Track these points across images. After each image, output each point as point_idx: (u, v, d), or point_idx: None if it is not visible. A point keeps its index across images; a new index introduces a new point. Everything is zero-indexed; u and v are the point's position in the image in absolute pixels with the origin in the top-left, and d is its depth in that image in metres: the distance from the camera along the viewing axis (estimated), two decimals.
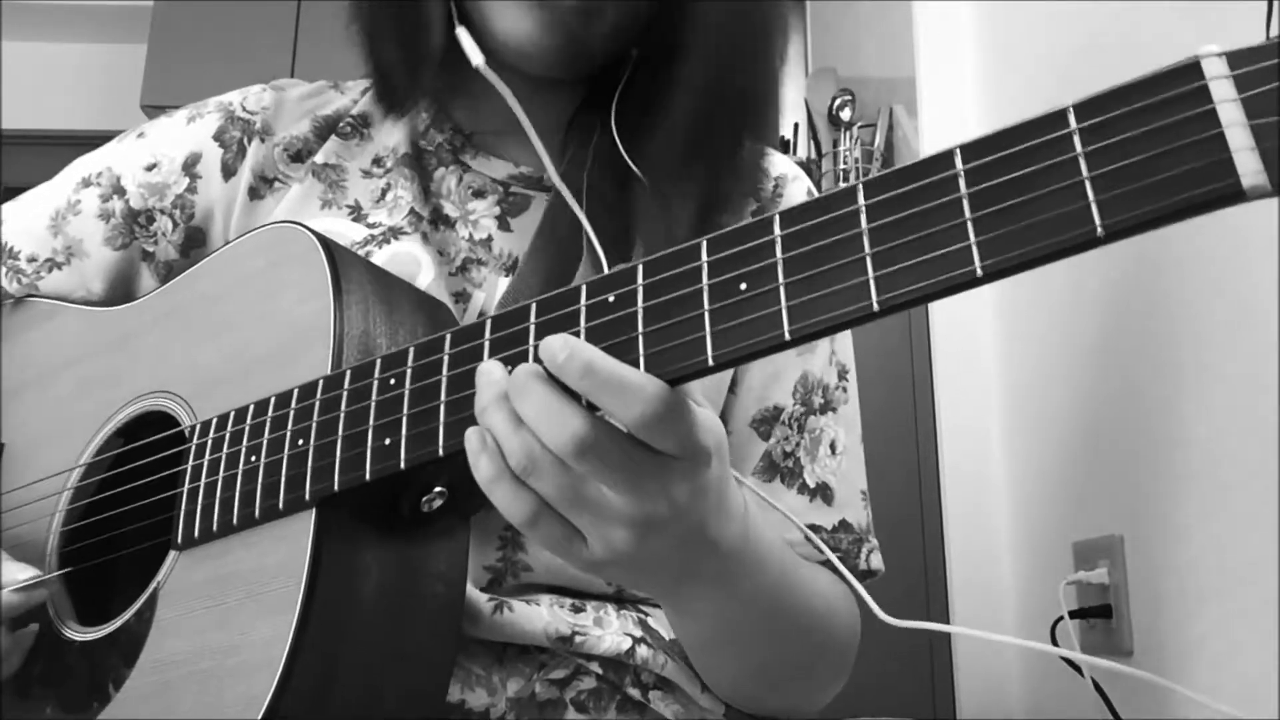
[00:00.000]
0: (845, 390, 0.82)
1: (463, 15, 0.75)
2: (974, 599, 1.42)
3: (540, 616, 0.68)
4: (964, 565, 1.43)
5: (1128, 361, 1.13)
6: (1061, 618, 1.16)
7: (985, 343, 1.51)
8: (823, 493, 0.78)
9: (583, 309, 0.49)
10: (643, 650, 0.70)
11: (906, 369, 1.50)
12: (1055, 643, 1.17)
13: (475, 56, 0.73)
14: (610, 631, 0.70)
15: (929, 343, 1.52)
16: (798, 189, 0.85)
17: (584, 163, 0.77)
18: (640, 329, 0.47)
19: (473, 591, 0.67)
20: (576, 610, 0.70)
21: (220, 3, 2.77)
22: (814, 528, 0.76)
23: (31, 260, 0.82)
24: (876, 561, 0.79)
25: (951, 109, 1.64)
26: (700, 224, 0.74)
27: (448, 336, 0.54)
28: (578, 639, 0.68)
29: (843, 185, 0.44)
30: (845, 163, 1.83)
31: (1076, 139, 0.38)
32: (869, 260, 0.42)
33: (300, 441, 0.58)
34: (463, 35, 0.74)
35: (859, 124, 1.88)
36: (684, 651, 0.72)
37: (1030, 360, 1.40)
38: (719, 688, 0.73)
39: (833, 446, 0.80)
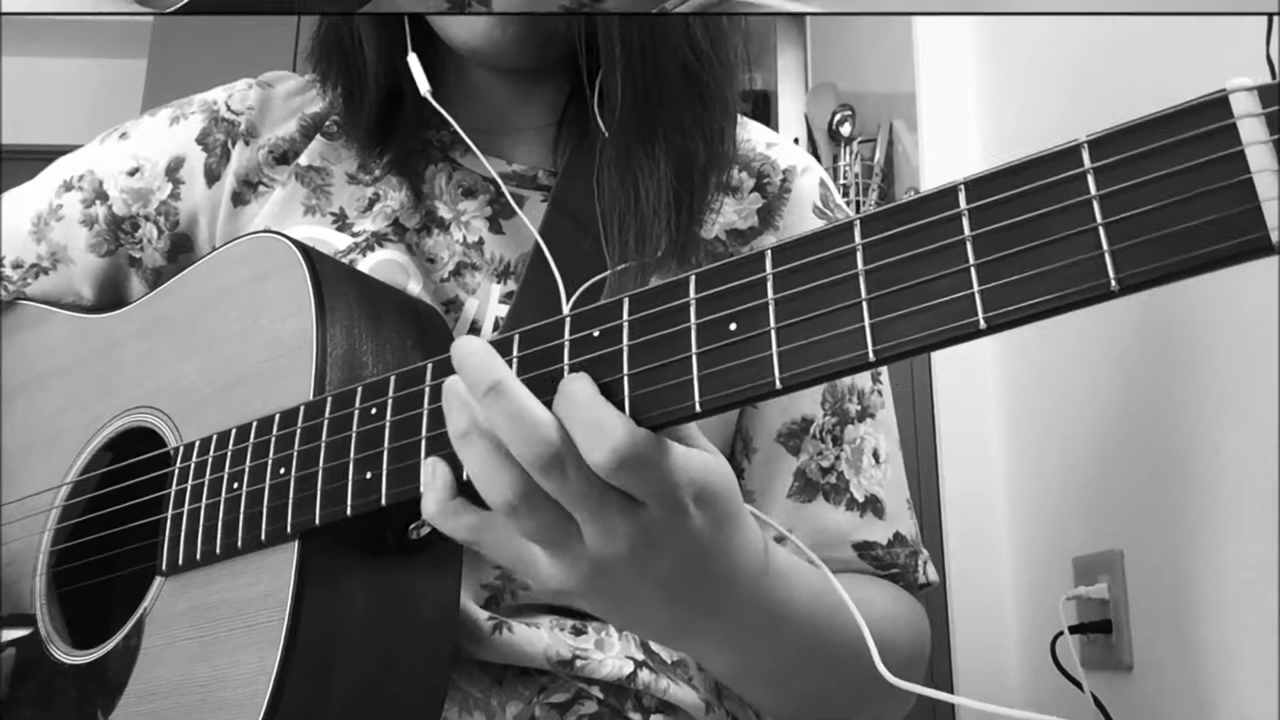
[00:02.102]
0: (881, 394, 0.78)
1: (426, 36, 0.75)
2: (974, 614, 1.41)
3: (540, 639, 0.66)
4: (964, 580, 1.42)
5: (1128, 375, 1.12)
6: (1061, 633, 1.15)
7: (985, 355, 1.50)
8: (873, 506, 0.74)
9: (566, 344, 0.47)
10: (644, 674, 0.68)
11: (906, 381, 1.48)
12: (1055, 657, 1.16)
13: (423, 85, 0.74)
14: (611, 655, 0.68)
15: (929, 354, 1.51)
16: (808, 182, 0.80)
17: (589, 165, 0.74)
18: (626, 370, 0.44)
19: (473, 609, 0.65)
20: (577, 632, 0.68)
21: (220, 19, 2.76)
22: (867, 544, 0.73)
23: (17, 266, 0.81)
24: (933, 572, 0.76)
25: (952, 124, 1.61)
26: (674, 190, 0.70)
27: (429, 367, 0.52)
28: (578, 663, 0.66)
29: (838, 221, 0.42)
30: (845, 178, 1.83)
31: (1090, 180, 0.35)
32: (865, 306, 0.39)
33: (282, 470, 0.57)
34: (413, 62, 0.75)
35: (859, 139, 1.87)
36: (687, 675, 0.71)
37: (1030, 374, 1.39)
38: (761, 709, 0.72)
39: (876, 455, 0.76)
